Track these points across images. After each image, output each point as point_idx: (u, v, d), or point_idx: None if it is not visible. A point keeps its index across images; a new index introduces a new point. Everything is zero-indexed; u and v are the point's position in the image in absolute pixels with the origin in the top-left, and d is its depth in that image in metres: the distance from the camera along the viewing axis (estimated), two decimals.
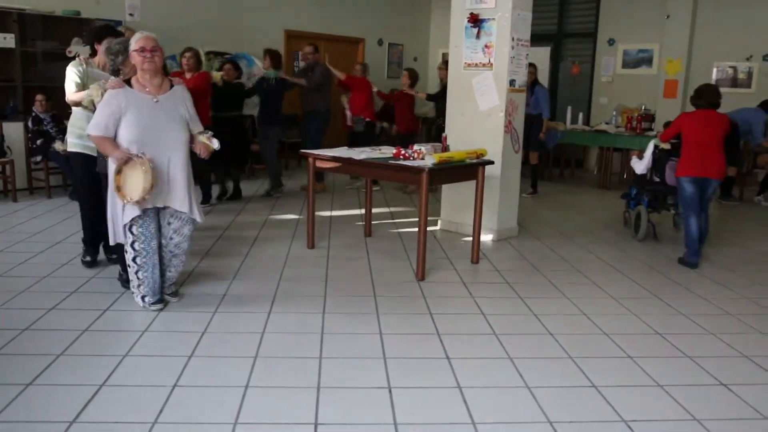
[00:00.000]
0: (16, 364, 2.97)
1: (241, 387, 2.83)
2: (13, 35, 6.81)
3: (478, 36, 5.52)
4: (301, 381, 2.92)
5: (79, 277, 4.24)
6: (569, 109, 9.44)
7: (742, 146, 8.02)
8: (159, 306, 3.74)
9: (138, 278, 3.68)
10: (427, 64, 12.26)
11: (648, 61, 10.06)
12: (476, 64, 5.57)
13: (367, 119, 7.92)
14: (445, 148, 5.08)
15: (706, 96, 5.00)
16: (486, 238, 5.53)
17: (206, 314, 3.67)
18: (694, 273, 4.85)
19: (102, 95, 3.62)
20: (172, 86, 3.67)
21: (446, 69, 8.17)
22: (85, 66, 4.22)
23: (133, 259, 3.64)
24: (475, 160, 4.77)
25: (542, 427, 2.59)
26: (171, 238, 3.74)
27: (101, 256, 4.61)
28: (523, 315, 3.87)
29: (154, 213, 3.64)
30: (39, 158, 6.87)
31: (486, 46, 5.50)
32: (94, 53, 4.43)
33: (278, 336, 3.42)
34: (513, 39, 5.40)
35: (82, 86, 4.14)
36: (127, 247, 3.63)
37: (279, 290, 4.12)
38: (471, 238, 5.05)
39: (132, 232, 3.59)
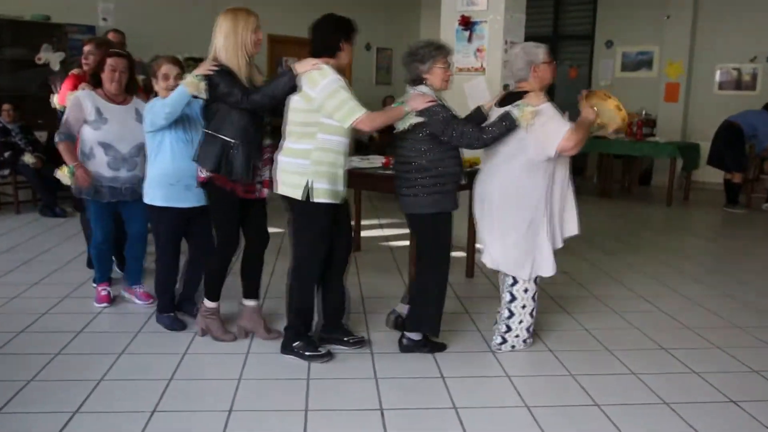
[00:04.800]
0: None
1: (225, 411, 2.82)
2: None
3: (469, 39, 5.57)
4: (288, 403, 2.91)
5: (49, 298, 4.21)
6: (566, 114, 9.47)
7: (748, 151, 8.11)
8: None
9: (531, 318, 3.52)
10: None
11: (648, 64, 10.16)
12: (468, 69, 5.62)
13: None
14: None
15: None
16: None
17: (187, 334, 3.66)
18: (701, 286, 4.88)
19: (532, 116, 3.32)
20: None
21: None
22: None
23: (533, 297, 3.50)
24: (468, 170, 4.79)
25: None
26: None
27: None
28: None
29: None
30: (6, 172, 6.83)
31: (478, 50, 5.55)
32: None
33: (264, 357, 3.41)
34: (506, 42, 5.46)
35: None
36: (528, 285, 3.46)
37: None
38: (465, 252, 5.06)
39: None
